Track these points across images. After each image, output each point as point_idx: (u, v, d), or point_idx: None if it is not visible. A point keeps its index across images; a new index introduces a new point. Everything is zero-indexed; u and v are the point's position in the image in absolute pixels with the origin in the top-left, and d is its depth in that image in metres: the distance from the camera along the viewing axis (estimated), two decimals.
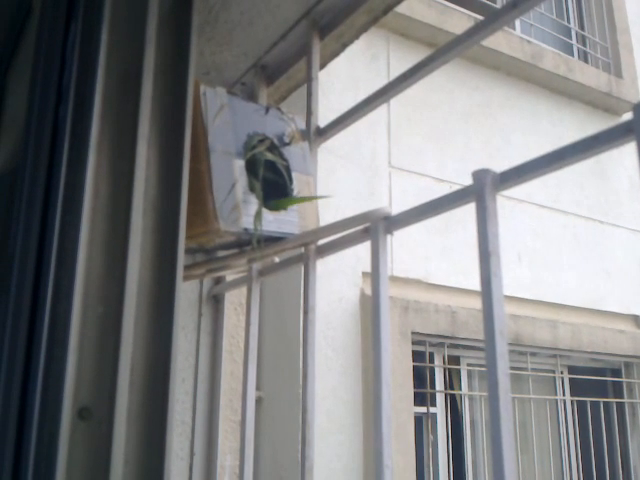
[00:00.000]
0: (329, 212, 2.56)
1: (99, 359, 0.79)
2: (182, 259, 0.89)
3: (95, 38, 0.90)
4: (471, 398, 3.32)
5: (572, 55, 4.28)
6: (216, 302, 1.75)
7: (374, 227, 1.06)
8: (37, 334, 0.80)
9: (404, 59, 3.16)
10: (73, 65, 0.91)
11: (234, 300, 1.76)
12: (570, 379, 3.68)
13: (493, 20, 1.09)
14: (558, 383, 3.63)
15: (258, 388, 1.74)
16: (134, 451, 0.79)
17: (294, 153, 1.27)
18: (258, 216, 1.14)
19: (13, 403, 0.81)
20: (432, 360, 3.12)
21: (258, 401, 1.84)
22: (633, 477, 3.69)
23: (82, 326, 0.79)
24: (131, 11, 0.95)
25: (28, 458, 0.76)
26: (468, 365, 3.31)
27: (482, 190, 0.86)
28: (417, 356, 2.91)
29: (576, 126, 3.87)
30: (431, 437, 3.02)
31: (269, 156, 1.20)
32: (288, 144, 1.26)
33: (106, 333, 0.80)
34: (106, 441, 0.77)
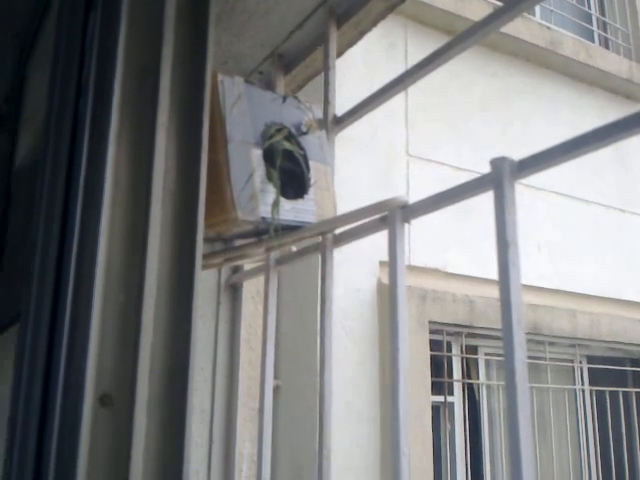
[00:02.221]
0: (346, 201, 2.55)
1: (120, 347, 0.80)
2: (201, 248, 0.90)
3: (114, 29, 0.91)
4: (489, 387, 3.32)
5: (592, 41, 4.22)
6: (234, 291, 1.76)
7: (391, 216, 1.06)
8: (59, 323, 0.81)
9: (422, 47, 3.13)
10: (92, 57, 0.92)
11: (252, 289, 1.77)
12: (589, 369, 3.66)
13: (512, 6, 1.07)
14: (577, 373, 3.61)
15: (276, 377, 1.75)
16: (154, 437, 0.80)
17: (311, 142, 1.27)
18: (276, 205, 1.15)
19: (36, 390, 0.82)
20: (450, 349, 3.11)
21: (276, 390, 1.85)
22: None
23: (103, 314, 0.80)
24: (149, 2, 0.95)
25: (51, 443, 0.77)
26: (486, 354, 3.31)
27: (500, 178, 0.86)
28: (435, 345, 2.90)
29: (596, 113, 3.82)
30: (448, 426, 3.02)
31: (287, 145, 1.21)
32: (305, 133, 1.26)
33: (127, 321, 0.81)
34: (127, 427, 0.78)
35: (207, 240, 1.33)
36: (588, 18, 4.35)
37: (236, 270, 1.76)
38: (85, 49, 0.95)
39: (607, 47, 4.23)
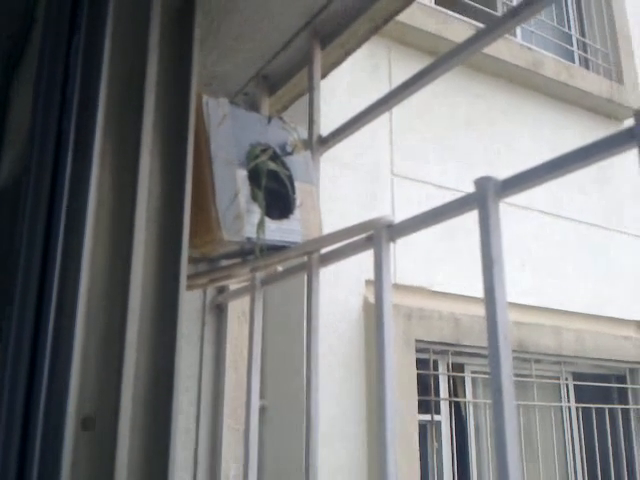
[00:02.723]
0: (332, 220, 2.56)
1: (103, 369, 0.79)
2: (185, 269, 0.89)
3: (98, 49, 0.91)
4: (475, 405, 3.31)
5: (573, 62, 4.29)
6: (219, 311, 1.75)
7: (377, 235, 1.07)
8: (41, 344, 0.80)
9: (406, 67, 3.16)
10: (76, 76, 0.92)
11: (237, 309, 1.76)
12: (575, 386, 3.67)
13: (494, 28, 1.09)
14: (563, 390, 3.62)
15: (262, 397, 1.74)
16: (138, 460, 0.79)
17: (296, 162, 1.27)
18: (261, 225, 1.14)
19: (17, 412, 0.81)
20: (436, 368, 3.11)
21: (262, 410, 1.84)
22: None
23: (86, 336, 0.79)
24: (134, 22, 0.95)
25: (32, 467, 0.76)
26: (472, 372, 3.30)
27: (484, 198, 0.87)
28: (421, 364, 2.90)
29: (578, 132, 3.87)
30: (435, 445, 3.01)
31: (272, 166, 1.21)
32: (290, 153, 1.27)
33: (110, 343, 0.80)
34: (110, 451, 0.77)
35: (192, 260, 1.32)
36: (568, 39, 4.42)
37: (221, 290, 1.75)
38: (69, 67, 0.95)
39: (587, 67, 4.30)
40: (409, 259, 2.96)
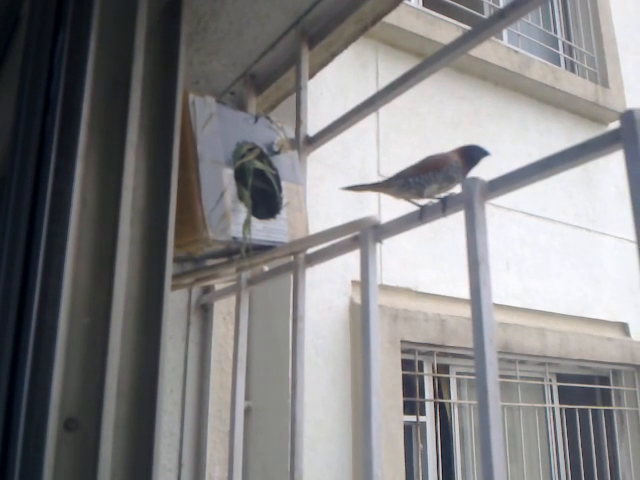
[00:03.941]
0: (318, 221, 2.56)
1: (86, 369, 0.78)
2: (170, 268, 0.88)
3: (83, 47, 0.90)
4: (460, 407, 3.32)
5: (559, 65, 4.31)
6: (205, 311, 1.74)
7: (363, 235, 1.07)
8: (23, 344, 0.79)
9: (393, 69, 3.17)
10: (61, 74, 0.91)
11: (223, 309, 1.76)
12: (559, 387, 3.69)
13: (481, 30, 1.10)
14: (547, 391, 3.64)
15: (247, 398, 1.73)
16: (121, 463, 0.78)
17: (283, 162, 1.27)
18: (247, 225, 1.14)
19: None
20: (421, 369, 3.11)
21: (247, 411, 1.83)
22: None
23: (69, 336, 0.78)
24: (119, 20, 0.94)
25: (14, 468, 0.75)
26: (457, 374, 3.31)
27: (471, 198, 0.87)
28: (406, 365, 2.90)
29: (563, 135, 3.90)
30: (421, 446, 3.02)
31: (258, 165, 1.20)
32: (277, 153, 1.26)
33: (93, 343, 0.79)
34: (93, 452, 0.76)
35: (177, 260, 1.32)
36: (554, 42, 4.45)
37: (207, 290, 1.74)
38: (54, 65, 0.94)
39: (573, 71, 4.32)
40: (395, 260, 2.96)
